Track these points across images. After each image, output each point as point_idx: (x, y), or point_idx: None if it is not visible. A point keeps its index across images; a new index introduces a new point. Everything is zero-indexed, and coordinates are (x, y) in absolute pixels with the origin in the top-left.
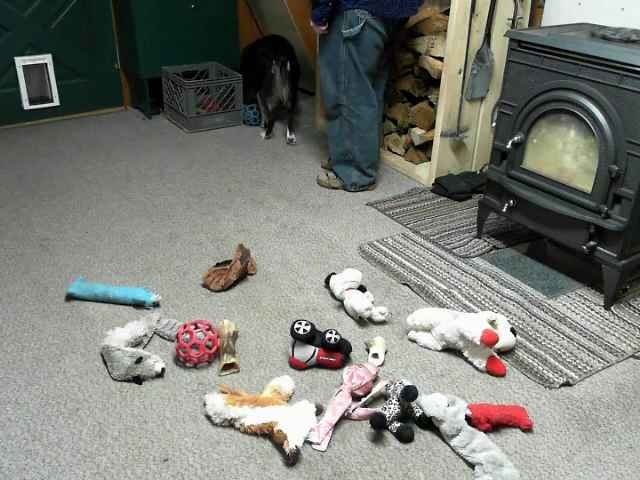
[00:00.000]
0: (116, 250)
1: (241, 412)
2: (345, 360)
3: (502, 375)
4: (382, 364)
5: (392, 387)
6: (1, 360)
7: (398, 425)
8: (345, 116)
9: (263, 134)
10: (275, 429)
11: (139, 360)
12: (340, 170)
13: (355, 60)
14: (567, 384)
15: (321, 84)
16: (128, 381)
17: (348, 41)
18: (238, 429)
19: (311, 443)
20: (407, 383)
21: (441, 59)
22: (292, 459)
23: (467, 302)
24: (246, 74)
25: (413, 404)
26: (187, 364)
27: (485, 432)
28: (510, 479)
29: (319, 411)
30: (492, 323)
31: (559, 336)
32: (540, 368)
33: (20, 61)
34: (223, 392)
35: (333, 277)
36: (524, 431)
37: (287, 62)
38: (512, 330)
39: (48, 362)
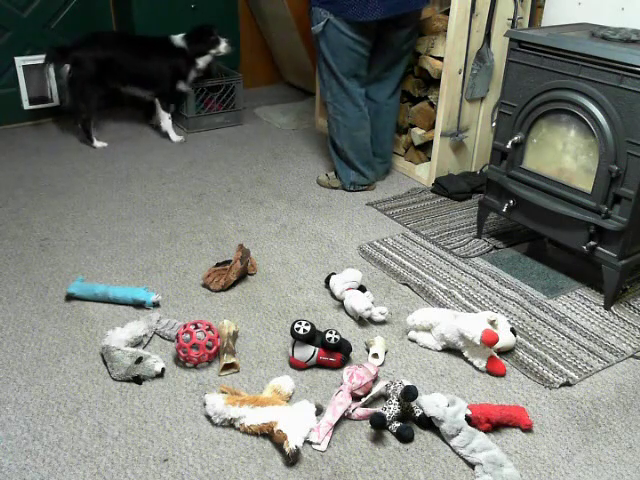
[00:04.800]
0: (116, 250)
1: (241, 412)
2: (345, 360)
3: (502, 375)
4: (382, 364)
5: (392, 387)
6: (1, 360)
7: (398, 425)
8: (331, 113)
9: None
10: (275, 429)
11: (139, 360)
12: (339, 169)
13: (327, 59)
14: (567, 384)
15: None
16: (128, 381)
17: (319, 38)
18: (238, 429)
19: (311, 443)
20: (407, 383)
21: (441, 59)
22: (292, 459)
23: (467, 302)
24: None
25: (413, 404)
26: (187, 364)
27: (485, 432)
28: (510, 479)
29: (319, 411)
30: (492, 323)
31: (559, 336)
32: (540, 368)
33: (20, 61)
34: (223, 392)
35: (333, 277)
36: (524, 431)
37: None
38: (512, 330)
39: (48, 362)
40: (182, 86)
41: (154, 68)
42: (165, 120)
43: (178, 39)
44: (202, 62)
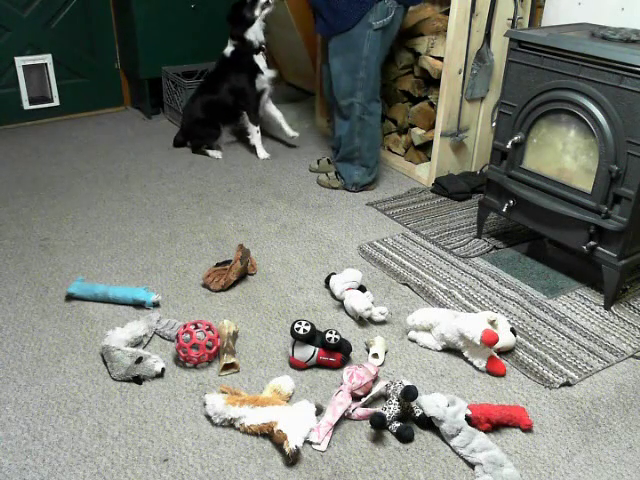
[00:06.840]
0: (116, 250)
1: (241, 412)
2: (345, 360)
3: (502, 375)
4: (382, 364)
5: (392, 387)
6: (1, 360)
7: (398, 425)
8: (358, 114)
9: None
10: (275, 429)
11: (139, 360)
12: (342, 168)
13: (378, 53)
14: (567, 384)
15: (335, 82)
16: (128, 381)
17: (375, 33)
18: (238, 429)
19: (311, 443)
20: (407, 383)
21: (441, 59)
22: (292, 459)
23: (467, 302)
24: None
25: (413, 404)
26: (187, 364)
27: (485, 432)
28: (510, 479)
29: (319, 411)
30: (492, 323)
31: (559, 336)
32: (540, 368)
33: (20, 61)
34: (223, 392)
35: (333, 277)
36: (524, 431)
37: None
38: (512, 330)
39: (48, 362)
40: (262, 77)
41: (230, 92)
42: (254, 134)
43: (228, 48)
44: (254, 35)
